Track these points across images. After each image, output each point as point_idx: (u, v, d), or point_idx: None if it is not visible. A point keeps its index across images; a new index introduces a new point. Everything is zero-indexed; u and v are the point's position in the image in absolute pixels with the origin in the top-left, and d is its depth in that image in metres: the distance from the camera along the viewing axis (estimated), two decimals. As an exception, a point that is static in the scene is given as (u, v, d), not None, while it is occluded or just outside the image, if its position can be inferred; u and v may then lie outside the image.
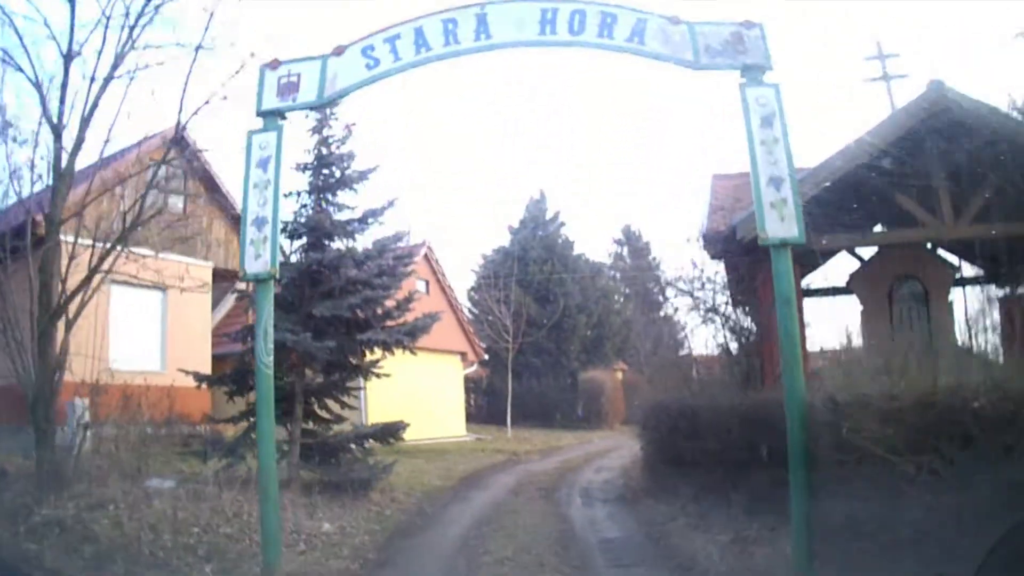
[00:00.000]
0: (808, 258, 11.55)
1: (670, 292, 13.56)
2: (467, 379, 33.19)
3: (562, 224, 36.98)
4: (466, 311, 33.55)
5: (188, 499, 10.01)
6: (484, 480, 15.09)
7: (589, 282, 36.28)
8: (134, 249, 14.67)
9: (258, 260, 7.43)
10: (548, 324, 32.10)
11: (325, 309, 10.78)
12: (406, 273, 11.73)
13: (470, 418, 31.32)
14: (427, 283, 24.49)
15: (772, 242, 6.75)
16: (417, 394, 23.21)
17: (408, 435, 22.88)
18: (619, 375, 36.44)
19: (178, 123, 11.38)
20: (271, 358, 7.22)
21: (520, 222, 36.66)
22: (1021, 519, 3.27)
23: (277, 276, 7.50)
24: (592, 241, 79.12)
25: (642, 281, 48.97)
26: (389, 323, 11.69)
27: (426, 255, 24.40)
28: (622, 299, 42.34)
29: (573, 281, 34.67)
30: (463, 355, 26.08)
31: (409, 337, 11.43)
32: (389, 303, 11.69)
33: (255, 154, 7.82)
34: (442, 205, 67.17)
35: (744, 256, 11.20)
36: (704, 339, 19.58)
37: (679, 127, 79.14)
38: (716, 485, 9.86)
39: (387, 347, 11.59)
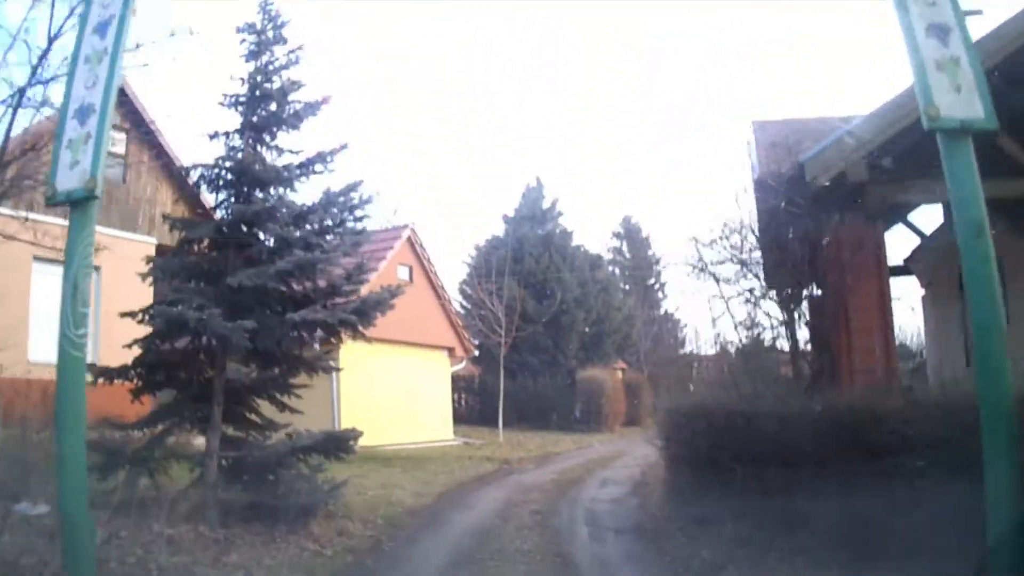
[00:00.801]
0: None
1: (709, 256, 10.42)
2: (458, 378, 30.18)
3: (559, 214, 34.01)
4: (457, 306, 30.61)
5: (48, 534, 7.07)
6: (468, 497, 12.08)
7: (588, 275, 33.25)
8: (45, 219, 11.84)
9: (74, 170, 4.44)
10: (544, 319, 29.06)
11: (245, 278, 7.75)
12: (358, 232, 8.67)
13: (461, 419, 28.33)
14: (410, 269, 21.45)
15: (946, 124, 3.77)
16: (398, 393, 20.23)
17: (386, 440, 19.92)
18: (619, 374, 33.45)
19: (50, 32, 8.44)
20: (83, 332, 4.27)
21: (515, 211, 33.65)
22: (1021, 519, 3.01)
23: (98, 194, 4.49)
24: (590, 235, 75.93)
25: (643, 277, 46.21)
26: (339, 300, 8.66)
27: (410, 239, 21.37)
28: (622, 294, 39.35)
29: (571, 274, 31.65)
30: (451, 350, 22.99)
31: (359, 317, 8.36)
32: (336, 272, 8.65)
33: (93, 14, 4.88)
34: (433, 197, 64.17)
35: (812, 208, 8.22)
36: (719, 332, 16.45)
37: (683, 109, 75.84)
38: (781, 521, 6.92)
39: (330, 330, 8.56)
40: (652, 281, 47.80)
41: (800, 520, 6.80)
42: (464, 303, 30.99)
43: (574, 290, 31.39)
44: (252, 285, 7.76)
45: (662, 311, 46.85)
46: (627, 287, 42.83)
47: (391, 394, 19.88)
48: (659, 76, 74.22)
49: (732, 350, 14.81)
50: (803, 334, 14.15)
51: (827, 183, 7.60)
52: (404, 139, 69.59)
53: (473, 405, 30.46)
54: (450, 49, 73.96)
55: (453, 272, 52.06)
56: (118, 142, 16.94)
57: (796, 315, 15.09)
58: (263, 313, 8.11)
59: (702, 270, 10.08)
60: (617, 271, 44.19)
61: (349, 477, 13.60)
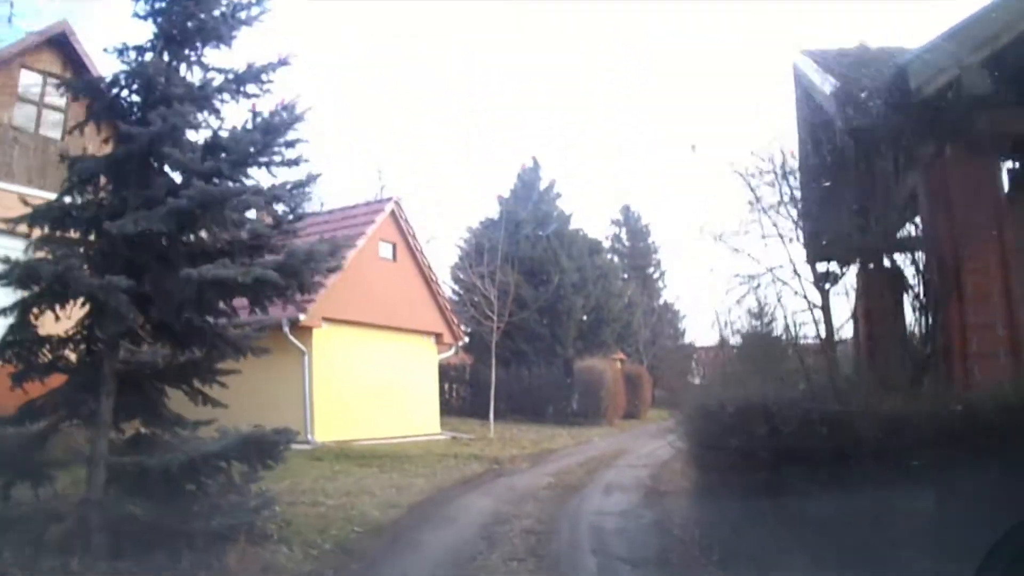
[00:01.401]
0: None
1: (767, 197, 8.22)
2: (449, 367, 27.95)
3: (557, 195, 31.66)
4: (449, 291, 28.36)
5: None
6: (448, 508, 9.87)
7: (587, 260, 31.00)
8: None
9: None
10: (540, 303, 26.76)
11: (129, 223, 5.52)
12: (293, 161, 6.39)
13: (452, 411, 26.11)
14: (394, 247, 19.16)
15: None
16: (379, 383, 17.99)
17: (365, 434, 17.58)
18: (618, 365, 31.24)
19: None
20: None
21: (511, 192, 31.33)
22: (1021, 519, 3.02)
23: None
24: (589, 222, 73.26)
25: (642, 266, 44.08)
26: (269, 257, 6.38)
27: (394, 213, 19.07)
28: (622, 280, 37.22)
29: (569, 259, 29.38)
30: (438, 336, 20.68)
31: (286, 276, 6.01)
32: (262, 220, 6.37)
33: None
34: (429, 183, 62.01)
35: (905, 136, 5.97)
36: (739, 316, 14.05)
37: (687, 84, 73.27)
38: (890, 566, 4.74)
39: (249, 294, 6.23)
40: (651, 270, 45.72)
41: (922, 562, 4.62)
42: (456, 288, 28.76)
43: (572, 275, 29.14)
44: (136, 232, 5.51)
45: (661, 301, 44.81)
46: (626, 276, 40.68)
47: (371, 384, 17.66)
48: (659, 63, 71.92)
49: (736, 340, 12.61)
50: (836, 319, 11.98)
51: (933, 94, 5.37)
52: (399, 123, 67.13)
53: (465, 396, 28.27)
54: (446, 36, 71.56)
55: (446, 258, 49.91)
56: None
57: (831, 296, 12.90)
58: (161, 271, 5.86)
59: (760, 210, 7.84)
60: (616, 259, 42.00)
61: (313, 481, 11.48)
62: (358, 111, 63.78)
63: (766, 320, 11.67)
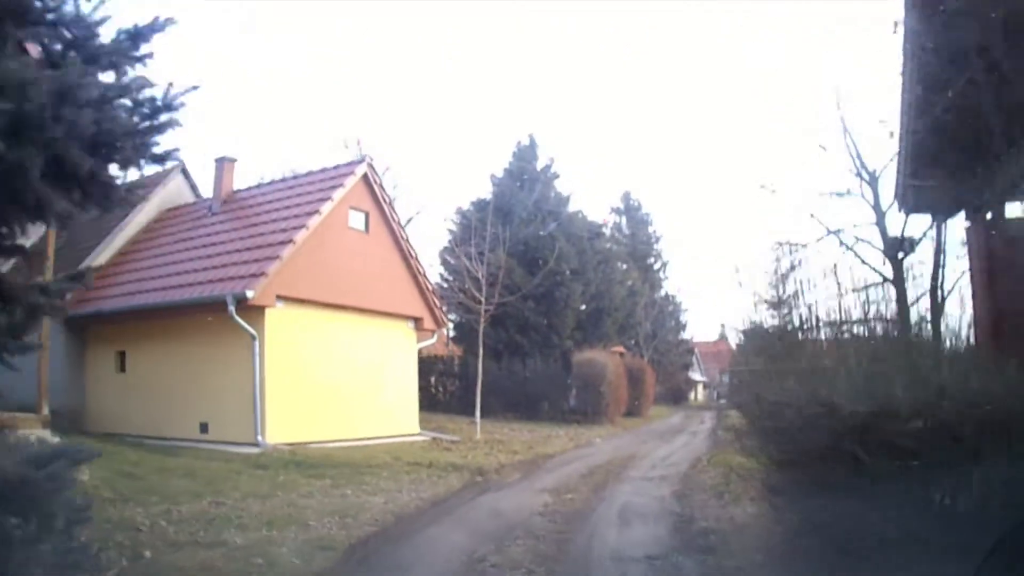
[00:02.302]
0: None
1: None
2: (437, 359, 25.04)
3: (555, 176, 28.70)
4: (438, 276, 25.47)
5: None
6: (401, 550, 6.90)
7: (587, 244, 28.07)
8: None
9: None
10: (535, 286, 23.77)
11: None
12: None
13: (438, 407, 23.20)
14: (366, 216, 16.11)
15: None
16: (345, 375, 15.00)
17: (327, 434, 14.14)
18: (618, 358, 28.36)
19: None
20: None
21: (505, 170, 28.37)
22: (1021, 519, 2.88)
23: None
24: (588, 206, 70.26)
25: (643, 256, 41.28)
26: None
27: (367, 177, 16.05)
28: (624, 267, 34.38)
29: (568, 241, 26.41)
30: (417, 321, 17.65)
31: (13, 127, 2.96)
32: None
33: None
34: (418, 161, 59.20)
35: None
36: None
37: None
38: None
39: None
40: (652, 260, 42.95)
41: None
42: (445, 274, 25.82)
43: (571, 260, 26.18)
44: None
45: (663, 293, 42.11)
46: (625, 267, 37.87)
47: (337, 375, 14.70)
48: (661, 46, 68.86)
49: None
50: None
51: None
52: (392, 109, 64.04)
53: (453, 391, 25.34)
54: (444, 23, 68.48)
55: (436, 242, 46.99)
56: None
57: (906, 268, 10.17)
58: None
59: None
60: (615, 248, 39.16)
61: (238, 500, 8.55)
62: (349, 97, 60.80)
63: (785, 311, 9.04)
